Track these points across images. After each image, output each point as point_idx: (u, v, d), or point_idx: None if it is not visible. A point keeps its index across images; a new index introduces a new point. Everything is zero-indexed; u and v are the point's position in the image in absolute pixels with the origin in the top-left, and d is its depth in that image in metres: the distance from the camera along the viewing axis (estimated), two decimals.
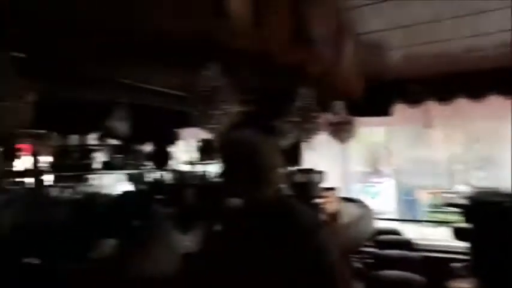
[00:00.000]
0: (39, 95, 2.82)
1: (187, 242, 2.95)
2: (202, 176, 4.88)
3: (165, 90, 4.17)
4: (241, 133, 1.82)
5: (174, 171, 5.47)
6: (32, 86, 2.81)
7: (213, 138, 5.28)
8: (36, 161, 5.09)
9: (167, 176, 5.30)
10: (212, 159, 5.45)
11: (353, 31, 3.29)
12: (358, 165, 6.14)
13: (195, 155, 5.78)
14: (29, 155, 5.21)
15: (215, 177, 4.63)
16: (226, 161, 1.77)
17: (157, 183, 5.04)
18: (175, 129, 5.39)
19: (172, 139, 5.31)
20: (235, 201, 1.83)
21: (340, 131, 3.91)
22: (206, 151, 5.53)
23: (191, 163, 5.78)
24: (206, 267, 1.79)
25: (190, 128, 4.87)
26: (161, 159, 5.36)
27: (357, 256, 3.79)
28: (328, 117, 3.90)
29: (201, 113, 2.64)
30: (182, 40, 2.44)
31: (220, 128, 2.65)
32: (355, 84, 3.57)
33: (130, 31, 2.24)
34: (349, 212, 3.45)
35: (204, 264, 1.82)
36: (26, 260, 2.97)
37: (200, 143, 5.73)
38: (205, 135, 5.54)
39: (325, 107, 3.78)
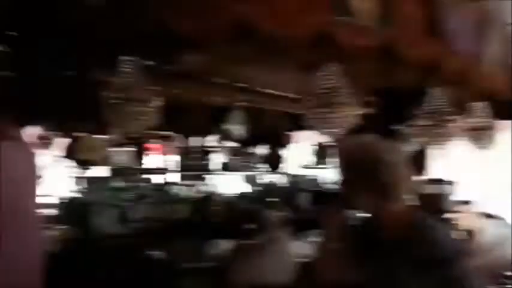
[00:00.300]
0: (165, 99, 3.00)
1: (301, 249, 2.83)
2: (317, 182, 4.72)
3: (281, 93, 4.13)
4: (362, 138, 1.64)
5: (288, 174, 5.41)
6: (159, 90, 3.00)
7: (329, 143, 5.14)
8: (162, 161, 5.49)
9: (281, 180, 5.27)
10: (327, 164, 5.26)
11: (498, 21, 2.83)
12: (500, 176, 5.29)
13: (310, 159, 5.65)
14: (157, 154, 5.66)
15: (331, 183, 4.46)
16: (346, 169, 1.59)
17: (271, 187, 5.04)
18: (290, 132, 5.35)
19: (287, 142, 5.27)
20: (355, 213, 1.68)
21: (481, 136, 3.39)
22: (321, 155, 5.36)
23: (305, 167, 5.67)
24: (321, 282, 1.64)
25: (305, 131, 4.77)
26: (275, 162, 5.36)
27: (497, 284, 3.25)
28: (465, 120, 3.42)
29: (318, 116, 2.51)
30: (300, 39, 2.34)
31: (339, 132, 2.48)
32: (500, 82, 3.07)
33: (248, 33, 2.21)
34: (488, 230, 2.97)
35: (320, 279, 1.67)
36: (149, 252, 3.15)
37: (315, 147, 5.59)
38: (321, 138, 5.41)
39: (461, 109, 3.33)
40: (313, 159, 5.64)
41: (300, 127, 4.74)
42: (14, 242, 1.91)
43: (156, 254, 3.17)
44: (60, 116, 3.81)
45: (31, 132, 4.12)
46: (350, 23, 2.15)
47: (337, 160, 1.64)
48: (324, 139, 5.13)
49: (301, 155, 5.89)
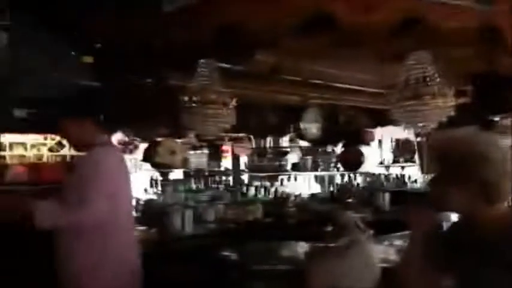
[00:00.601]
0: (240, 99, 2.97)
1: (383, 253, 2.64)
2: (400, 181, 4.43)
3: (360, 87, 3.92)
4: (458, 131, 1.45)
5: (367, 174, 5.16)
6: (234, 92, 2.98)
7: (417, 138, 4.82)
8: (236, 162, 5.52)
9: (359, 179, 5.04)
10: (412, 162, 4.93)
11: None
12: None
13: (392, 157, 5.35)
14: (231, 156, 5.69)
15: (416, 182, 4.16)
16: (439, 166, 1.41)
17: (348, 187, 4.83)
18: (369, 129, 5.09)
19: (367, 139, 5.02)
20: (446, 215, 1.54)
21: None
22: (406, 153, 5.04)
23: (387, 166, 5.37)
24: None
25: (387, 127, 4.52)
26: (352, 161, 5.13)
27: None
28: None
29: (406, 109, 2.29)
30: (384, 26, 2.15)
31: (430, 126, 2.25)
32: None
33: (328, 23, 2.08)
34: None
35: (404, 286, 1.52)
36: (223, 253, 3.14)
37: (398, 143, 5.28)
38: (406, 134, 5.09)
39: None
40: (395, 156, 5.32)
41: (381, 123, 4.49)
42: (116, 241, 2.00)
43: (230, 255, 3.16)
44: (140, 122, 3.95)
45: (116, 138, 4.33)
46: (442, 3, 1.93)
47: (425, 157, 1.46)
48: (411, 134, 4.83)
49: (382, 153, 5.60)
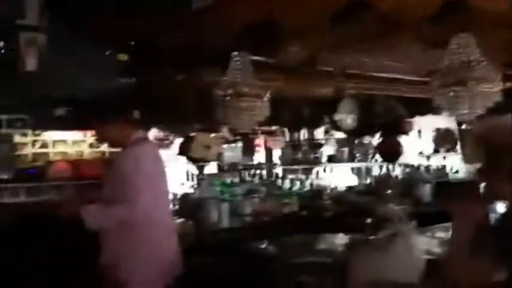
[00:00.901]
0: (273, 92, 2.93)
1: (427, 246, 2.56)
2: (443, 171, 4.27)
3: (398, 76, 3.79)
4: (506, 118, 1.37)
5: (407, 165, 5.00)
6: (267, 84, 2.95)
7: (460, 126, 4.62)
8: (270, 155, 5.49)
9: (398, 170, 4.90)
10: (454, 152, 4.74)
11: None
12: None
13: (432, 147, 5.15)
14: (263, 149, 5.67)
15: (460, 173, 3.99)
16: (486, 155, 1.35)
17: (387, 178, 4.70)
18: (408, 119, 4.93)
19: (405, 129, 4.86)
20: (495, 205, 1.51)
21: None
22: (446, 142, 4.84)
23: (427, 156, 5.18)
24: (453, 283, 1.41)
25: (426, 116, 4.36)
26: (391, 152, 4.99)
27: None
28: None
29: (449, 96, 2.17)
30: (424, 9, 2.05)
31: (475, 113, 2.12)
32: None
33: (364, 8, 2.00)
34: None
35: (450, 280, 1.46)
36: (260, 246, 3.14)
37: (439, 133, 5.08)
38: (447, 123, 4.89)
39: None
40: (436, 146, 5.12)
41: (421, 112, 4.33)
42: (155, 233, 2.05)
43: (267, 248, 3.16)
44: (175, 117, 4.00)
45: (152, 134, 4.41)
46: None
47: (469, 146, 1.39)
48: (452, 123, 4.63)
49: (421, 143, 5.41)
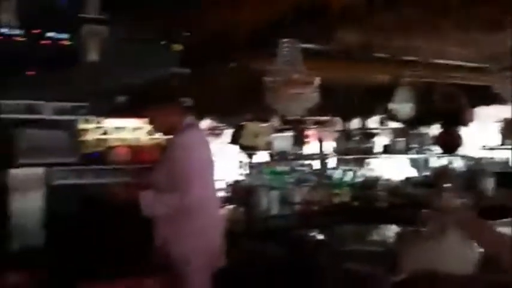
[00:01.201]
0: (324, 80, 2.88)
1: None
2: (507, 164, 4.00)
3: (458, 62, 3.56)
4: None
5: (467, 157, 4.73)
6: (318, 72, 2.90)
7: None
8: (321, 145, 5.41)
9: (458, 163, 4.65)
10: None
11: None
12: None
13: (499, 139, 4.82)
14: (315, 139, 5.60)
15: None
16: None
17: (445, 170, 4.47)
18: (469, 109, 4.64)
19: (466, 120, 4.58)
20: None
21: None
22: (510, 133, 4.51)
23: (492, 148, 4.86)
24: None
25: (489, 106, 4.08)
26: (450, 143, 4.73)
27: None
28: None
29: (507, 82, 2.02)
30: None
31: None
32: None
33: None
34: None
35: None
36: (310, 234, 3.15)
37: (503, 124, 4.74)
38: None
39: None
40: (503, 138, 4.79)
41: (485, 101, 4.07)
42: (203, 218, 2.13)
43: (317, 236, 3.17)
44: (226, 107, 4.06)
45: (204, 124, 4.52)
46: None
47: None
48: None
49: (485, 135, 5.08)
